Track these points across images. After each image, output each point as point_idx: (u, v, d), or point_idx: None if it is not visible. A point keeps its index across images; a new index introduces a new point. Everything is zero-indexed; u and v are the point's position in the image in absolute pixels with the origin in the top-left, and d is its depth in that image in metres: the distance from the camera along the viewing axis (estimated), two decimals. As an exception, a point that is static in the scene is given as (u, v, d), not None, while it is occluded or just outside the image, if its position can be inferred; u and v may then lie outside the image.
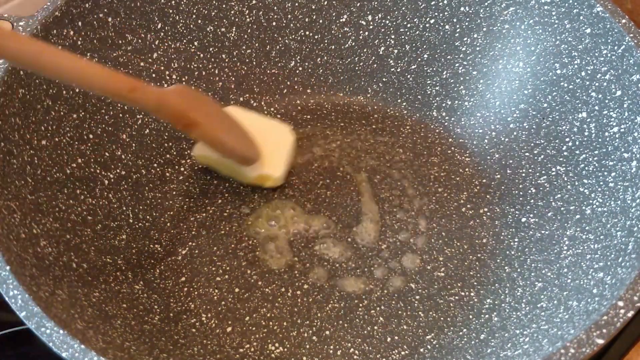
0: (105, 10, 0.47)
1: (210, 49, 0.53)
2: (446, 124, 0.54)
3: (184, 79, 0.52)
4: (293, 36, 0.55)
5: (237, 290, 0.45)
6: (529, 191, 0.48)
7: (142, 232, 0.47)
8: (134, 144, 0.49)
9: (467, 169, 0.52)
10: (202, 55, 0.53)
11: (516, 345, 0.39)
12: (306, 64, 0.56)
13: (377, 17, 0.55)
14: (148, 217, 0.48)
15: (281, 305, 0.44)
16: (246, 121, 0.49)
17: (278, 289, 0.45)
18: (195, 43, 0.52)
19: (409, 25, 0.54)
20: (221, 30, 0.53)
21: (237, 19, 0.54)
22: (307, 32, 0.55)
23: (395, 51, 0.55)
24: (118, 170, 0.48)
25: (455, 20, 0.53)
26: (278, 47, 0.55)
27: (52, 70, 0.31)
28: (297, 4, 0.54)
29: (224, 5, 0.53)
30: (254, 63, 0.55)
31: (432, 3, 0.53)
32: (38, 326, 0.31)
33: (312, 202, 0.50)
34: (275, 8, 0.54)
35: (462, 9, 0.52)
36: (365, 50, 0.56)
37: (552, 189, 0.46)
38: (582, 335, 0.31)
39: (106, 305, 0.39)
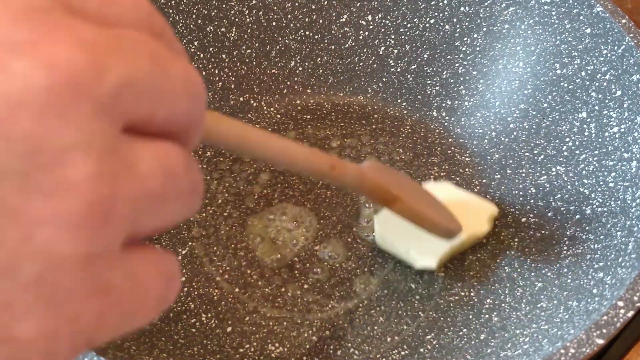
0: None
1: (210, 49, 0.53)
2: (446, 124, 0.54)
3: (184, 79, 0.52)
4: (293, 36, 0.55)
5: (237, 290, 0.45)
6: (529, 191, 0.48)
7: (142, 232, 0.47)
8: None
9: (467, 169, 0.52)
10: (202, 55, 0.53)
11: (516, 345, 0.39)
12: (306, 64, 0.56)
13: (377, 17, 0.55)
14: (148, 217, 0.48)
15: (281, 305, 0.44)
16: (443, 195, 0.45)
17: (278, 289, 0.45)
18: (195, 43, 0.52)
19: (409, 25, 0.54)
20: (221, 30, 0.53)
21: (237, 19, 0.54)
22: (307, 32, 0.55)
23: (395, 51, 0.55)
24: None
25: (455, 20, 0.53)
26: (278, 47, 0.55)
27: (258, 151, 0.30)
28: (297, 4, 0.54)
29: (224, 5, 0.53)
30: (254, 63, 0.55)
31: (432, 3, 0.53)
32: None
33: (312, 202, 0.50)
34: (275, 8, 0.54)
35: (462, 9, 0.52)
36: (365, 50, 0.56)
37: (552, 189, 0.46)
38: (582, 335, 0.31)
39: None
